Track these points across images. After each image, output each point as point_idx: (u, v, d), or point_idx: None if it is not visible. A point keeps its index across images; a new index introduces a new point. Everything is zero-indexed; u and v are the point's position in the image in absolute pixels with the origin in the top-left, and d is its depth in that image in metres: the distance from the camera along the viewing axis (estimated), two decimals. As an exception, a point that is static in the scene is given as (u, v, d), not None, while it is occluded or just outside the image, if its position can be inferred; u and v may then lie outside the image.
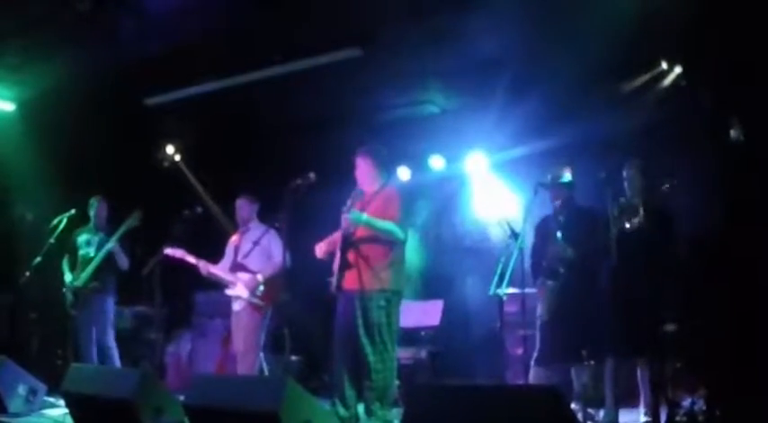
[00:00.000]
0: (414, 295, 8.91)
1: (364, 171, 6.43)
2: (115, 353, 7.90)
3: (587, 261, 6.24)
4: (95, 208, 8.18)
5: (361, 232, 6.17)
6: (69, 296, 7.91)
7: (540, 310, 6.51)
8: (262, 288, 7.21)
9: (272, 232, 7.43)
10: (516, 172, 8.83)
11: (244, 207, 7.64)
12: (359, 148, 6.50)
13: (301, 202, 6.44)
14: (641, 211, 5.95)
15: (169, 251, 7.40)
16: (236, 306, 7.37)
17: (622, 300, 5.87)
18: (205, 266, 7.43)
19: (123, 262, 7.87)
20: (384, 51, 7.62)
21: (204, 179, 10.29)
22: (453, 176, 9.45)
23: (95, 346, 7.85)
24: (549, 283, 6.39)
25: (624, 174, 6.17)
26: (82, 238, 8.11)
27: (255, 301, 7.20)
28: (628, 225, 5.96)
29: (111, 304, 8.02)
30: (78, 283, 7.85)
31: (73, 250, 8.12)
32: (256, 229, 7.58)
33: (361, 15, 7.14)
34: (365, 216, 6.08)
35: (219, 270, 7.47)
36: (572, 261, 6.26)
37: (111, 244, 7.77)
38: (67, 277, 8.00)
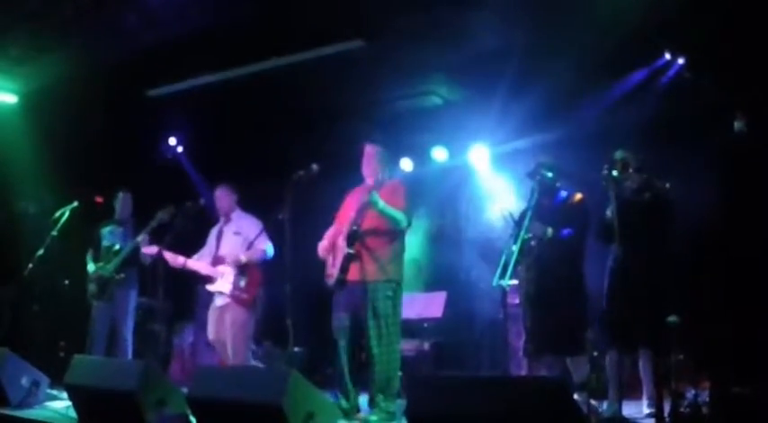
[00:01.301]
0: (417, 287, 8.92)
1: (372, 162, 6.43)
2: (129, 345, 7.91)
3: (569, 244, 6.24)
4: (120, 200, 8.18)
5: (367, 224, 6.16)
6: (92, 286, 7.89)
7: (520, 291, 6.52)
8: (244, 280, 7.11)
9: (256, 221, 7.30)
10: (519, 163, 8.80)
11: (223, 197, 7.49)
12: (367, 139, 6.50)
13: (304, 193, 6.44)
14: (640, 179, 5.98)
15: (146, 249, 7.36)
16: (219, 301, 7.20)
17: (624, 291, 5.85)
18: (183, 262, 7.28)
19: (146, 258, 7.84)
20: (387, 43, 7.60)
21: (206, 171, 10.27)
22: (457, 168, 9.44)
23: (108, 338, 7.87)
24: (525, 261, 6.36)
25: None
26: (106, 229, 8.12)
27: (238, 294, 7.08)
28: (629, 184, 5.97)
29: (133, 297, 8.03)
30: (104, 272, 7.84)
31: (97, 243, 8.12)
32: (239, 219, 7.45)
33: (364, 7, 7.12)
34: (382, 203, 6.06)
35: (198, 264, 7.32)
36: (549, 243, 6.24)
37: (141, 237, 7.73)
38: (90, 267, 7.99)
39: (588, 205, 6.38)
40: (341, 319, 6.23)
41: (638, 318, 5.73)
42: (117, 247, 7.93)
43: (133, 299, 8.02)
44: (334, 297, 6.35)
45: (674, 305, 6.17)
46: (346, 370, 6.17)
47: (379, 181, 6.28)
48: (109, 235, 8.06)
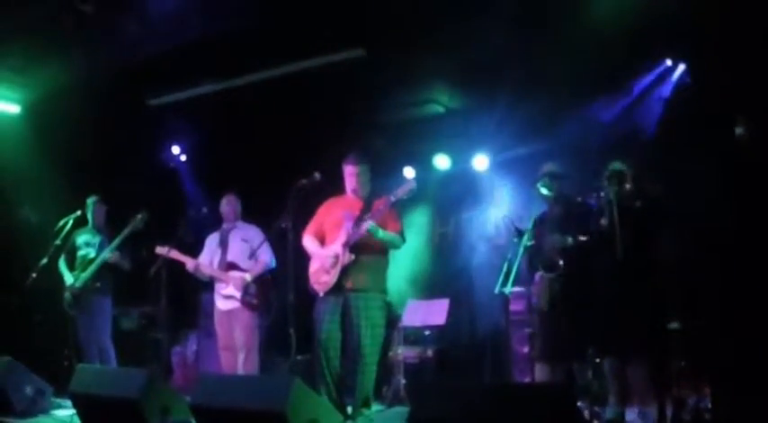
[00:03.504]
0: (420, 294, 8.92)
1: (355, 181, 6.41)
2: (112, 353, 7.92)
3: (584, 252, 6.23)
4: (93, 209, 8.19)
5: (365, 237, 6.15)
6: (68, 297, 7.93)
7: (536, 300, 6.49)
8: (254, 287, 7.22)
9: (260, 231, 7.39)
10: (521, 171, 8.81)
11: (236, 203, 7.59)
12: (354, 154, 6.45)
13: (307, 201, 6.45)
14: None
15: (160, 250, 7.39)
16: (227, 305, 7.29)
17: (620, 299, 5.84)
18: (195, 264, 7.37)
19: (125, 266, 7.91)
20: (389, 52, 7.61)
21: (209, 179, 10.27)
22: (459, 175, 9.44)
23: (97, 347, 7.88)
24: (548, 275, 6.34)
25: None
26: (81, 238, 8.13)
27: (248, 299, 7.20)
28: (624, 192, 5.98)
29: (109, 305, 8.05)
30: (78, 284, 7.86)
31: (72, 251, 8.14)
32: (245, 228, 7.54)
33: (365, 15, 7.13)
34: (381, 231, 6.11)
35: (210, 268, 7.40)
36: (571, 251, 6.24)
37: (109, 252, 7.79)
38: (68, 278, 8.01)
39: (590, 206, 6.36)
40: (332, 329, 6.22)
41: (635, 325, 5.72)
42: (92, 256, 7.96)
43: (109, 306, 8.05)
44: (320, 306, 6.32)
45: (674, 311, 6.18)
46: (335, 381, 6.17)
47: (381, 211, 6.18)
48: (84, 245, 8.10)
